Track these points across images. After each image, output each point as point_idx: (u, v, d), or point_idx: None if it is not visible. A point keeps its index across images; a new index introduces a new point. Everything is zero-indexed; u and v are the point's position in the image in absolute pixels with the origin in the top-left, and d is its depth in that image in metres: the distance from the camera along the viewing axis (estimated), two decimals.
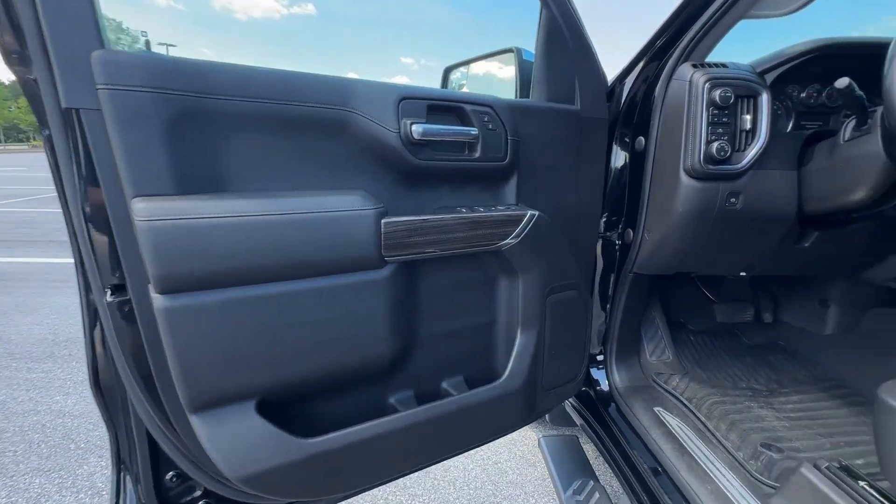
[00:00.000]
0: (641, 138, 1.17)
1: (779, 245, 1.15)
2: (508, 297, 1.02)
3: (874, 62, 1.16)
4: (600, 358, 1.34)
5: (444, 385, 1.00)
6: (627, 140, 1.22)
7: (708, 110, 1.00)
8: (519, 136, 0.97)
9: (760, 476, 0.97)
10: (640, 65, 1.16)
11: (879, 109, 0.91)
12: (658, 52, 1.12)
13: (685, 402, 1.23)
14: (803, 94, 1.13)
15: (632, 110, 1.19)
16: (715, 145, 0.99)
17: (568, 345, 1.12)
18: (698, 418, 1.17)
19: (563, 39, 1.05)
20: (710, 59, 1.08)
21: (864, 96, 0.91)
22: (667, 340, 1.45)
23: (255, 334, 0.70)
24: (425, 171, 0.88)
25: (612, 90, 1.23)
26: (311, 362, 0.77)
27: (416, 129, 0.82)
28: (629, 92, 1.19)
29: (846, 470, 0.84)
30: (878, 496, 0.77)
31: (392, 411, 0.90)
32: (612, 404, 1.30)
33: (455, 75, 1.47)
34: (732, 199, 1.04)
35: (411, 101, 0.84)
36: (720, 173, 1.01)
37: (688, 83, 1.02)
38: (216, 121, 0.67)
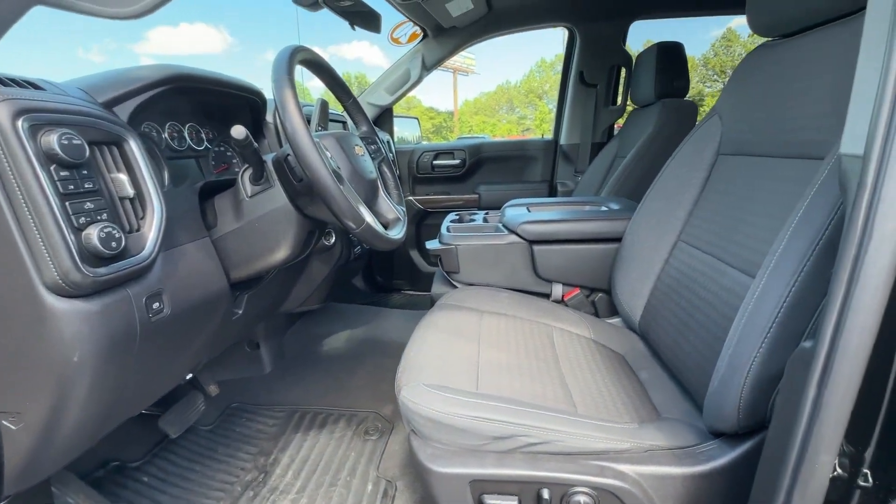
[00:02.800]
0: None
1: (220, 325, 0.90)
2: None
3: (235, 100, 1.05)
4: None
5: None
6: None
7: (49, 171, 0.52)
8: None
9: None
10: None
11: (270, 159, 0.81)
12: None
13: None
14: (165, 135, 0.85)
15: None
16: (96, 231, 0.55)
17: None
18: None
19: None
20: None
21: (258, 146, 0.76)
22: None
23: None
24: None
25: None
26: None
27: None
28: None
29: None
30: None
31: None
32: None
33: None
34: (156, 305, 0.65)
35: None
36: (123, 274, 0.59)
37: None
38: None
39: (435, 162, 2.26)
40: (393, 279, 2.41)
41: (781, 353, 0.57)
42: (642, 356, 1.01)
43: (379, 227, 0.82)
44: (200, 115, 0.96)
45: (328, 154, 0.79)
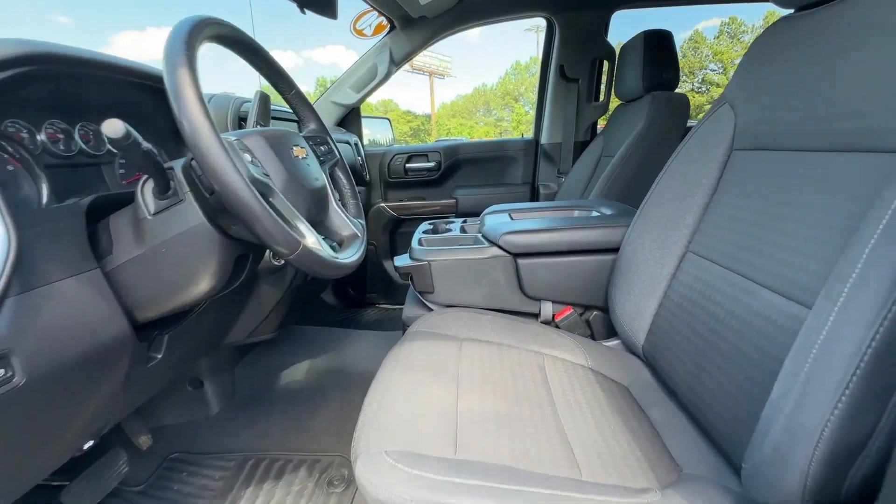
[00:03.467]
0: None
1: (126, 377, 0.70)
2: None
3: (147, 93, 0.85)
4: None
5: None
6: None
7: None
8: None
9: None
10: None
11: (179, 166, 0.62)
12: None
13: None
14: (42, 136, 0.66)
15: None
16: None
17: None
18: None
19: None
20: None
21: (155, 150, 0.58)
22: None
23: None
24: None
25: None
26: None
27: None
28: None
29: None
30: None
31: None
32: None
33: None
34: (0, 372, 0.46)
35: None
36: None
37: None
38: None
39: (408, 165, 2.09)
40: (366, 293, 2.22)
41: (866, 415, 0.42)
42: (649, 387, 0.86)
43: (324, 250, 0.64)
44: (100, 112, 0.76)
45: (247, 157, 0.61)
